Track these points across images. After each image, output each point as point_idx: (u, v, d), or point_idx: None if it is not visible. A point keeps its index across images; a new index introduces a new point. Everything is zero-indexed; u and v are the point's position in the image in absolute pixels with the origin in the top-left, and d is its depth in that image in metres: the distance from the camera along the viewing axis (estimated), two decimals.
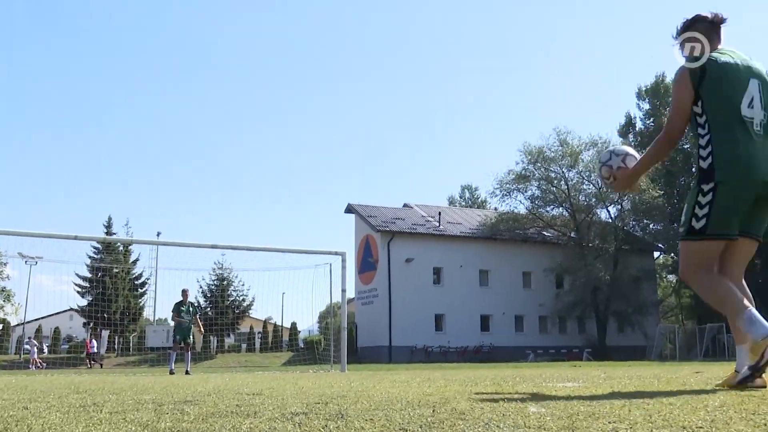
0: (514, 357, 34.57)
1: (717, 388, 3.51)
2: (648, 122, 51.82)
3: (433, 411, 2.46)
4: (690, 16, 3.81)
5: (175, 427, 2.13)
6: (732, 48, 3.69)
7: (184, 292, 15.78)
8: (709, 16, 3.75)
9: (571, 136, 40.98)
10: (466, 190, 74.26)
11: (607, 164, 4.11)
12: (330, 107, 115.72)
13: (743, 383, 3.29)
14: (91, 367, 30.09)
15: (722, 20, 3.76)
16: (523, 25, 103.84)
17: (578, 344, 39.65)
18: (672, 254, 49.72)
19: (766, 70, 3.69)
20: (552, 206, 42.55)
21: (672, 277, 54.55)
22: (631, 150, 4.10)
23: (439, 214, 42.83)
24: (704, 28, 3.74)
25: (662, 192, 45.09)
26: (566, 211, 42.03)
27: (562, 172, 41.19)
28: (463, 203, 70.94)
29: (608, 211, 42.77)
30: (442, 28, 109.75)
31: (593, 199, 41.32)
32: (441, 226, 41.13)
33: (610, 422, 2.00)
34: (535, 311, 40.95)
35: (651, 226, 45.54)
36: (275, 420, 2.29)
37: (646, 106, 52.01)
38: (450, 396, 3.25)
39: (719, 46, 3.70)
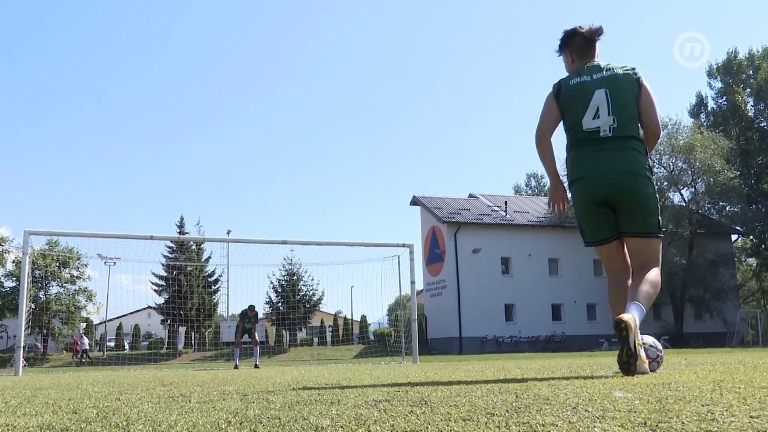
0: (587, 346, 33.97)
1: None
2: (720, 101, 49.92)
3: (516, 397, 2.45)
4: (569, 29, 4.10)
5: (264, 415, 2.19)
6: (599, 61, 4.01)
7: (251, 308, 16.78)
8: (585, 31, 4.04)
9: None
10: (531, 179, 73.25)
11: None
12: (393, 102, 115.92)
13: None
14: (80, 364, 30.84)
15: (596, 33, 4.05)
16: (583, 5, 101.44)
17: (654, 332, 38.47)
18: (751, 237, 47.88)
19: (630, 72, 3.93)
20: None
21: (752, 261, 52.53)
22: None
23: (506, 203, 42.38)
24: (579, 42, 4.05)
25: (738, 172, 43.43)
26: None
27: None
28: (530, 191, 69.97)
29: (681, 195, 41.44)
30: (500, 16, 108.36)
31: (665, 183, 40.05)
32: (508, 216, 40.70)
33: (703, 405, 1.95)
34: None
35: (727, 208, 43.88)
36: (360, 407, 2.32)
37: (717, 84, 50.09)
38: (530, 383, 3.22)
39: (592, 60, 4.04)
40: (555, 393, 2.52)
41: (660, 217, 3.97)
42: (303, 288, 41.85)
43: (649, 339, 4.18)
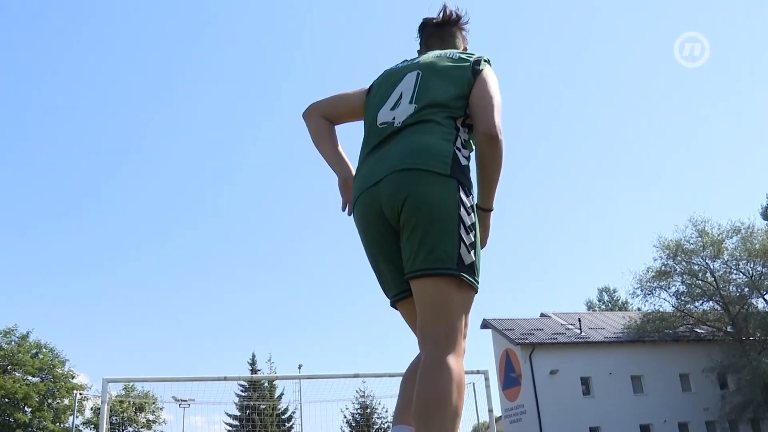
0: None
1: None
2: None
3: None
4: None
5: None
6: (438, 51, 2.84)
7: None
8: (435, 17, 2.97)
9: (709, 225, 38.92)
10: (604, 293, 71.33)
11: None
12: None
13: None
14: None
15: (444, 20, 2.97)
16: (638, 123, 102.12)
17: None
18: None
19: (461, 55, 2.71)
20: (701, 300, 39.87)
21: None
22: None
23: (579, 320, 41.18)
24: (428, 31, 2.99)
25: None
26: (717, 304, 39.25)
27: (706, 263, 38.85)
28: (603, 307, 67.99)
29: (765, 300, 39.56)
30: (562, 140, 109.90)
31: (746, 289, 38.45)
32: (583, 333, 39.44)
33: None
34: (701, 416, 37.61)
35: None
36: None
37: None
38: None
39: (432, 50, 2.89)
40: None
41: (471, 253, 2.36)
42: (377, 421, 40.92)
43: None
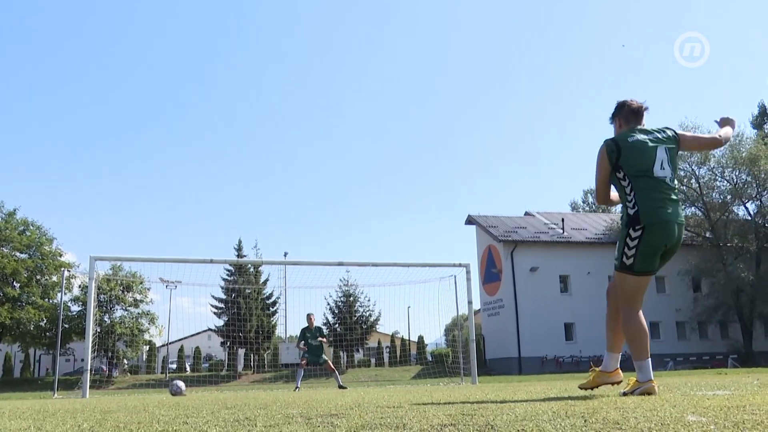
0: (652, 365, 32.97)
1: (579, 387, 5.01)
2: None
3: (585, 421, 2.40)
4: (620, 101, 4.85)
5: None
6: (645, 126, 4.74)
7: (309, 318, 15.25)
8: (634, 104, 4.79)
9: (699, 131, 38.78)
10: (588, 195, 71.81)
11: None
12: (445, 120, 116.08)
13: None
14: None
15: (643, 108, 4.80)
16: (636, 18, 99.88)
17: (722, 350, 37.37)
18: None
19: (672, 134, 4.69)
20: (683, 206, 40.34)
21: None
22: None
23: (563, 220, 41.75)
24: (627, 112, 4.78)
25: None
26: (699, 210, 39.81)
27: (692, 169, 39.07)
28: (587, 208, 68.62)
29: (746, 208, 40.15)
30: (555, 32, 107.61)
31: (728, 196, 38.86)
32: (565, 233, 40.08)
33: None
34: (672, 317, 38.94)
35: None
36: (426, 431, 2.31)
37: None
38: (596, 406, 3.15)
39: (638, 126, 4.73)
40: (624, 417, 2.47)
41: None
42: (360, 309, 41.94)
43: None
